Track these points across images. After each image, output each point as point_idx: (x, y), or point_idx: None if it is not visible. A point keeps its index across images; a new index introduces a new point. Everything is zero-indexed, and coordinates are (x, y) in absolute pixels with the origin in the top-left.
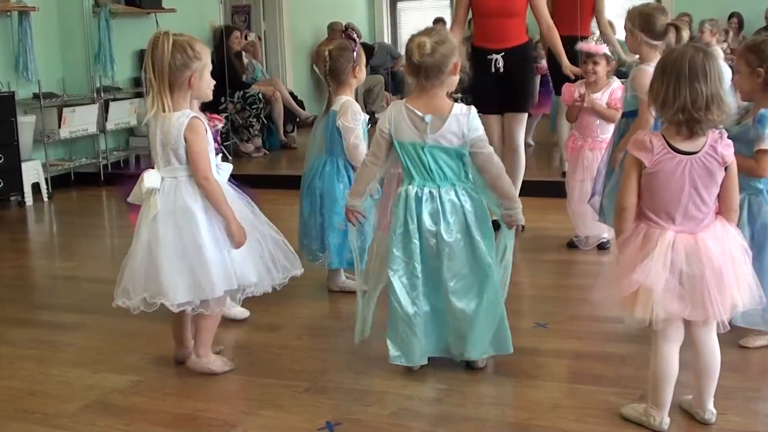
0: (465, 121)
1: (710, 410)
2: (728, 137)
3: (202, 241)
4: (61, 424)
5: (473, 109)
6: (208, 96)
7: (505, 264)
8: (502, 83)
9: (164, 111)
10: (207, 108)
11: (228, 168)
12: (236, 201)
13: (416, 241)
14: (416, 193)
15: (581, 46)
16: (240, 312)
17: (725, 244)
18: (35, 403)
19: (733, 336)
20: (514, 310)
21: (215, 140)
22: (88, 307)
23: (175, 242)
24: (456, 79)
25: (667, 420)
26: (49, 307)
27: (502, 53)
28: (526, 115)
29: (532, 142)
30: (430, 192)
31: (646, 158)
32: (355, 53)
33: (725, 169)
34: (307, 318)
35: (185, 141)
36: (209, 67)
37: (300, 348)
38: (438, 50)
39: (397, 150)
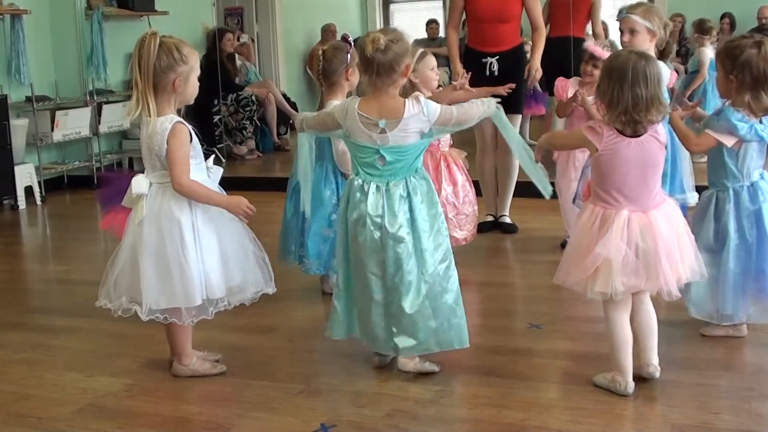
0: (425, 114)
1: (653, 365)
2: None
3: (184, 248)
4: (55, 427)
5: (421, 97)
6: (191, 100)
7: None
8: (496, 85)
9: (149, 114)
10: (198, 110)
11: (219, 171)
12: (224, 213)
13: (360, 233)
14: (362, 185)
15: (589, 45)
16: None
17: (673, 221)
18: (29, 407)
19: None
20: (508, 310)
21: None
22: (82, 311)
23: (158, 248)
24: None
25: (632, 384)
26: (42, 310)
27: (497, 56)
28: (520, 117)
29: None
30: (377, 186)
31: (597, 141)
32: (349, 55)
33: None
34: (300, 320)
35: (167, 145)
36: (196, 71)
37: (294, 350)
38: (392, 48)
39: (349, 148)
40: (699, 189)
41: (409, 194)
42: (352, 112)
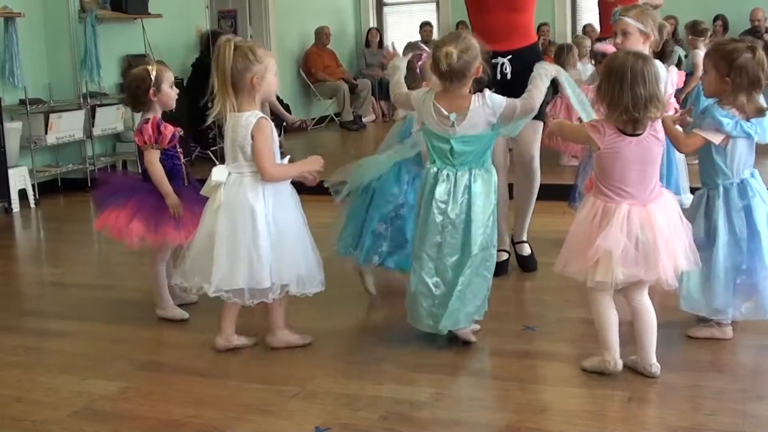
0: (489, 107)
1: (655, 364)
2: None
3: (256, 235)
4: (50, 431)
5: (486, 91)
6: (272, 96)
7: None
8: (509, 91)
9: (231, 110)
10: (192, 112)
11: None
12: (292, 209)
13: (426, 216)
14: (436, 173)
15: (598, 45)
16: (180, 313)
17: (670, 213)
18: (23, 410)
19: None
20: (502, 312)
21: (179, 146)
22: (76, 314)
23: (233, 234)
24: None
25: (620, 362)
26: (36, 313)
27: (509, 56)
28: (542, 125)
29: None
30: (447, 174)
31: (599, 140)
32: (420, 63)
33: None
34: (296, 323)
35: (252, 139)
36: (272, 69)
37: (289, 353)
38: (462, 57)
39: (424, 134)
40: (694, 191)
41: (472, 184)
42: (428, 104)
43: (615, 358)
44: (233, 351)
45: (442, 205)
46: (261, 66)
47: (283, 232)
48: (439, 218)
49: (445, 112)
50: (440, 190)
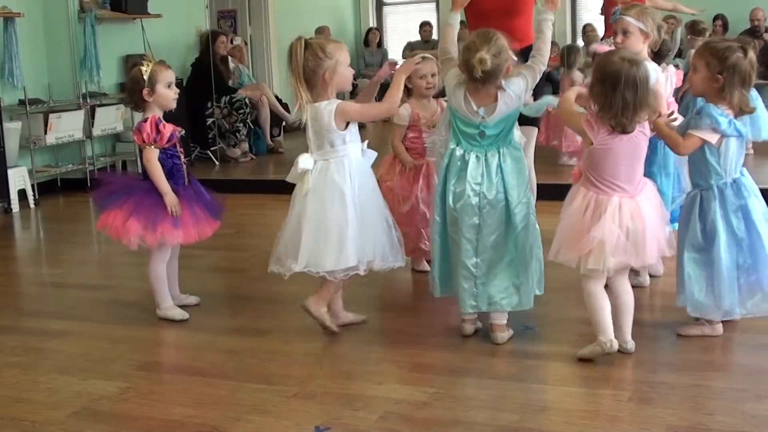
0: (512, 96)
1: (630, 341)
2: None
3: (346, 215)
4: (49, 431)
5: (503, 83)
6: (347, 87)
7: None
8: None
9: (306, 102)
10: (191, 113)
11: (373, 155)
12: (374, 188)
13: (458, 199)
14: (463, 155)
15: (596, 47)
16: (180, 313)
17: (654, 204)
18: (23, 411)
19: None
20: None
21: (179, 146)
22: (76, 314)
23: (321, 216)
24: None
25: (615, 342)
26: (36, 314)
27: None
28: (536, 131)
29: None
30: (477, 156)
31: (592, 136)
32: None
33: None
34: (295, 322)
35: (349, 121)
36: (343, 63)
37: (288, 353)
38: (495, 62)
39: (453, 117)
40: None
41: (503, 163)
42: (459, 95)
43: (610, 338)
44: (233, 351)
45: (477, 187)
46: (331, 61)
47: (367, 211)
48: (474, 200)
49: (475, 107)
50: (473, 172)
